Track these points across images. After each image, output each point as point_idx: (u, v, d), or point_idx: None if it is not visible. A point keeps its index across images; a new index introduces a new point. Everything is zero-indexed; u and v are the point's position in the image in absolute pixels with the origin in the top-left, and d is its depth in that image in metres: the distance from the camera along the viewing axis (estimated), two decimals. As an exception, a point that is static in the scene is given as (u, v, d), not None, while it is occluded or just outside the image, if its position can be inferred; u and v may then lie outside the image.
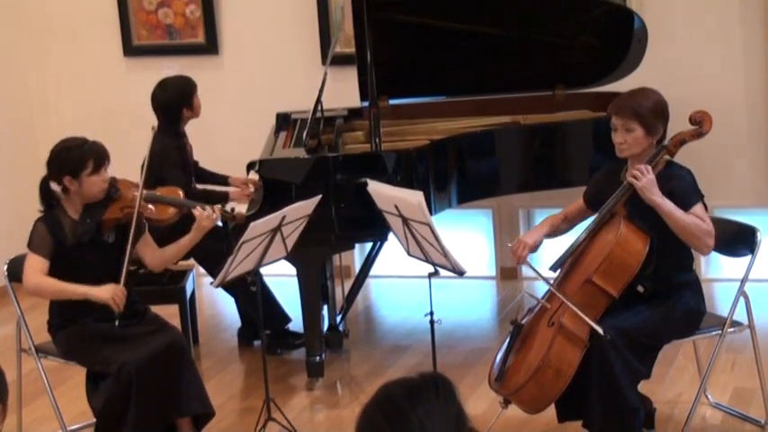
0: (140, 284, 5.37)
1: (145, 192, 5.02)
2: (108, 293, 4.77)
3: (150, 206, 5.06)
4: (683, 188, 4.58)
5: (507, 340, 4.77)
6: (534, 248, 4.82)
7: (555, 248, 4.93)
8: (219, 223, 5.82)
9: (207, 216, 5.00)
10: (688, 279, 4.74)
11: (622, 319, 4.57)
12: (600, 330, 4.45)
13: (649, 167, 4.56)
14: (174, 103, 6.10)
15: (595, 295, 4.59)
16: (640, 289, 4.62)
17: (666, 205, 4.51)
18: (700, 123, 4.69)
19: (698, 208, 4.57)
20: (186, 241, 5.07)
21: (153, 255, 5.09)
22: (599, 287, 4.58)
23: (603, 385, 4.52)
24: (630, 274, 4.57)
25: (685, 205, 4.55)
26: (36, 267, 4.85)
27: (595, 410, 4.56)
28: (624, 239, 4.57)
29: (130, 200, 4.96)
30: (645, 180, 4.52)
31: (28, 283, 4.87)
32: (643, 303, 4.64)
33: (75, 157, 4.84)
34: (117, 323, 4.79)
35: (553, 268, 4.79)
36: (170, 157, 5.97)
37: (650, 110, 4.61)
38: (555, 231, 4.93)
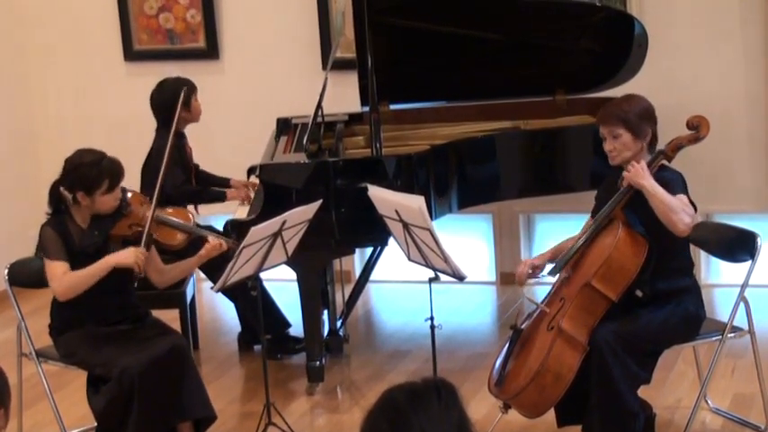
0: (141, 289, 5.37)
1: (156, 214, 5.02)
2: (131, 258, 4.81)
3: (162, 229, 5.05)
4: (668, 183, 4.60)
5: (507, 345, 4.78)
6: (536, 269, 4.84)
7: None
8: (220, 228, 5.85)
9: (215, 247, 5.01)
10: (687, 284, 4.74)
11: (622, 323, 4.58)
12: None
13: (642, 162, 4.59)
14: (169, 102, 6.09)
15: (594, 299, 4.60)
16: (639, 294, 4.63)
17: (651, 185, 4.54)
18: (697, 128, 4.71)
19: (683, 198, 4.59)
20: (190, 264, 5.11)
21: (157, 274, 5.09)
22: (598, 291, 4.58)
23: (602, 390, 4.52)
24: (629, 278, 4.58)
25: (671, 193, 4.58)
26: (59, 272, 4.84)
27: (594, 415, 4.56)
28: (622, 243, 4.58)
29: (141, 218, 4.97)
30: (635, 169, 4.57)
31: (58, 289, 4.85)
32: (642, 308, 4.64)
33: (91, 176, 4.83)
34: (135, 285, 4.86)
35: (552, 273, 4.79)
36: (168, 156, 5.96)
37: (635, 113, 4.66)
38: None
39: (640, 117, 4.66)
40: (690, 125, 4.73)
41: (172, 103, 5.99)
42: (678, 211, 4.52)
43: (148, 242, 4.95)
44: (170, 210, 5.22)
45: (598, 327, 4.58)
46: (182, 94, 5.81)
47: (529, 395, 4.60)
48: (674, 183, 4.62)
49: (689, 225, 4.56)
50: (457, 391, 2.39)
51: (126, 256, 4.83)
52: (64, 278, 4.83)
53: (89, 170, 4.84)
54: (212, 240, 5.02)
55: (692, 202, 4.64)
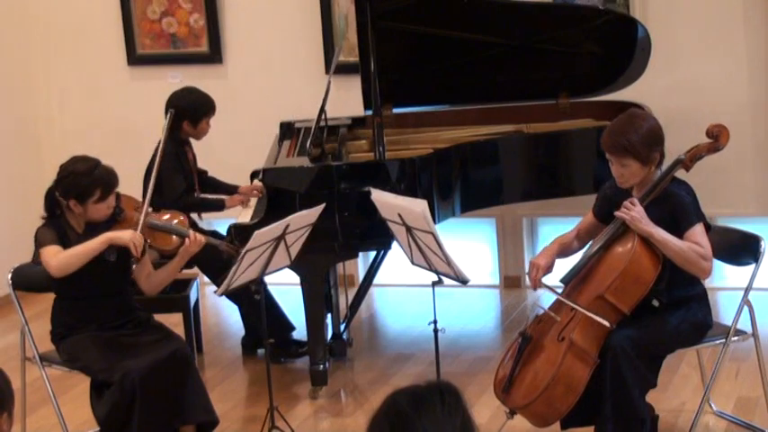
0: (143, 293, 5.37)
1: (149, 220, 5.01)
2: (128, 236, 4.80)
3: (155, 234, 5.04)
4: (683, 208, 4.56)
5: (516, 352, 4.69)
6: (548, 270, 4.76)
7: (565, 261, 4.88)
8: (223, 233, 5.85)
9: (193, 242, 4.98)
10: (697, 292, 4.71)
11: (635, 329, 4.53)
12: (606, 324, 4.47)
13: (635, 200, 4.55)
14: (182, 111, 6.12)
15: (606, 311, 4.53)
16: (655, 303, 4.57)
17: (659, 234, 4.49)
18: (716, 137, 4.63)
19: (697, 228, 4.53)
20: (173, 266, 5.07)
21: (147, 279, 5.08)
22: (611, 304, 4.52)
23: (617, 395, 4.47)
24: (644, 291, 4.52)
25: (685, 225, 4.53)
26: (53, 252, 4.83)
27: (608, 421, 4.50)
28: (638, 256, 4.51)
29: (134, 224, 4.95)
30: (633, 213, 4.51)
31: (51, 266, 4.82)
32: (652, 314, 4.60)
33: (83, 184, 4.83)
34: (134, 267, 4.84)
35: (564, 281, 4.73)
36: (168, 163, 5.99)
37: (641, 143, 4.53)
38: (566, 251, 4.85)
39: (648, 145, 4.54)
40: (709, 134, 4.64)
41: (182, 114, 6.06)
42: (694, 260, 4.49)
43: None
44: (166, 215, 5.20)
45: (613, 332, 4.52)
46: (203, 116, 6.15)
47: (537, 407, 4.55)
48: (686, 210, 4.55)
49: (709, 269, 4.55)
50: (461, 394, 2.38)
51: (123, 234, 4.81)
52: (59, 255, 4.82)
53: (81, 179, 4.83)
54: (191, 237, 4.99)
55: (707, 225, 4.59)
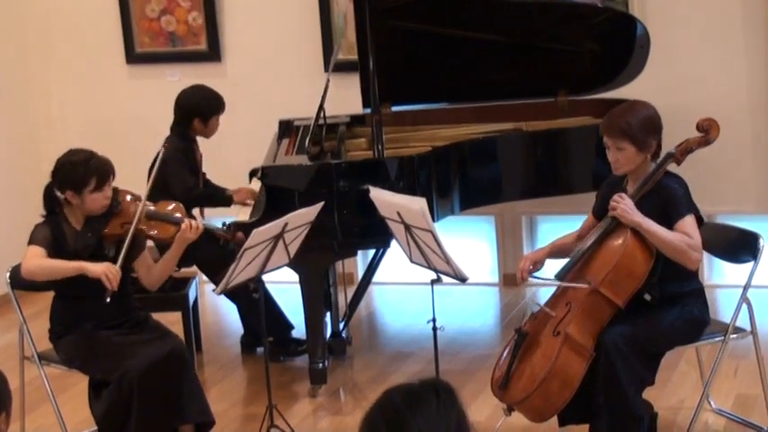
0: (143, 291, 5.36)
1: (145, 209, 4.98)
2: (99, 270, 4.73)
3: (153, 224, 5.02)
4: (674, 200, 4.56)
5: (512, 348, 4.71)
6: (537, 266, 4.80)
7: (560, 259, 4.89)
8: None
9: (188, 228, 4.94)
10: (694, 287, 4.71)
11: (629, 326, 4.54)
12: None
13: (623, 194, 4.57)
14: (192, 109, 6.13)
15: (601, 305, 4.55)
16: (647, 297, 4.59)
17: (647, 223, 4.50)
18: (707, 131, 4.66)
19: (688, 219, 4.53)
20: (171, 254, 5.01)
21: (147, 273, 5.06)
22: (605, 297, 4.54)
23: (610, 393, 4.49)
24: (637, 284, 4.54)
25: (676, 216, 4.54)
26: (35, 253, 4.82)
27: (602, 419, 4.51)
28: (631, 249, 4.53)
29: (132, 215, 4.93)
30: (621, 207, 4.53)
31: (24, 267, 4.83)
32: (649, 310, 4.61)
33: (78, 174, 4.82)
34: (108, 300, 4.75)
35: (558, 276, 4.74)
36: (174, 160, 5.98)
37: (639, 127, 4.57)
38: (564, 251, 4.85)
39: (645, 130, 4.58)
40: (699, 128, 4.67)
41: (193, 111, 6.07)
42: (683, 250, 4.48)
43: (140, 240, 4.94)
44: (160, 203, 5.20)
45: (606, 329, 4.55)
46: (213, 113, 6.18)
47: (534, 401, 4.56)
48: (677, 201, 4.56)
49: (698, 260, 4.55)
50: (455, 392, 2.38)
51: (95, 268, 4.75)
52: (35, 259, 4.81)
53: (77, 168, 4.83)
54: (186, 223, 4.95)
55: (699, 218, 4.60)
